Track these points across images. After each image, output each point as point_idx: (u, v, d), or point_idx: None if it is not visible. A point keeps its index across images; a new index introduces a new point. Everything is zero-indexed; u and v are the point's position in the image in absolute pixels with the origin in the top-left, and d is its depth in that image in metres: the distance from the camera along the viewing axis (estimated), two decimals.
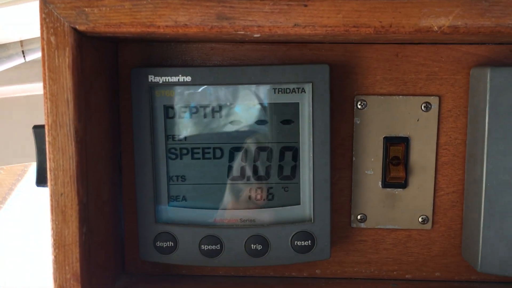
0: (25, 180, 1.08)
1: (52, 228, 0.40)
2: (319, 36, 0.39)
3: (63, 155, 0.39)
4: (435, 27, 0.38)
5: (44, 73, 0.38)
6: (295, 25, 0.38)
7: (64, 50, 0.38)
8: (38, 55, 0.65)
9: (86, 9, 0.38)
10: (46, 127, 0.39)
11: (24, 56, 0.64)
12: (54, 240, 0.40)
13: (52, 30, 0.38)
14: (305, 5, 0.38)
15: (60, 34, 0.38)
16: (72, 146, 0.39)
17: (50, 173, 0.40)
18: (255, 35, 0.40)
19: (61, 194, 0.40)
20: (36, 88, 0.93)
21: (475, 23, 0.37)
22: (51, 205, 0.40)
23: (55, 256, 0.41)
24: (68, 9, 0.38)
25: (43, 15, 0.38)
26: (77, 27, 0.38)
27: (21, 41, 0.63)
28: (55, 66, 0.38)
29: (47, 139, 0.39)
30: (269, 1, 0.38)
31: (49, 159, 0.40)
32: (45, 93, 0.39)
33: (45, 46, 0.38)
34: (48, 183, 0.40)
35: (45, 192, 0.43)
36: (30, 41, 0.63)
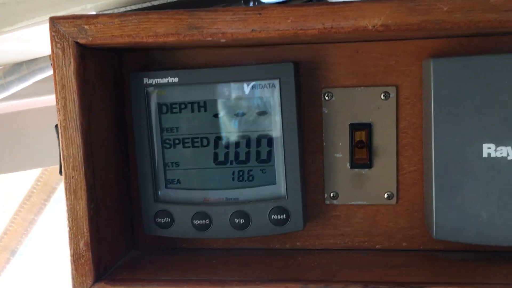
0: None
1: (67, 205, 0.50)
2: (273, 38, 0.47)
3: (72, 145, 0.49)
4: (370, 26, 0.44)
5: (55, 79, 0.48)
6: (252, 30, 0.46)
7: (70, 60, 0.48)
8: None
9: (85, 26, 0.47)
10: (58, 122, 0.49)
11: None
12: (68, 214, 0.50)
13: (59, 44, 0.47)
14: (260, 14, 0.45)
15: (66, 47, 0.47)
16: (79, 138, 0.49)
17: (63, 160, 0.49)
18: (222, 40, 0.48)
19: (72, 177, 0.49)
20: None
21: (403, 21, 0.44)
22: (65, 186, 0.50)
23: (70, 228, 0.50)
24: (71, 27, 0.47)
25: (52, 33, 0.47)
26: (78, 41, 0.47)
27: (49, 56, 0.74)
28: (63, 73, 0.48)
29: (59, 132, 0.49)
30: (230, 12, 0.46)
31: (62, 149, 0.49)
32: (56, 95, 0.48)
33: (54, 57, 0.48)
34: (62, 169, 0.50)
35: None
36: None
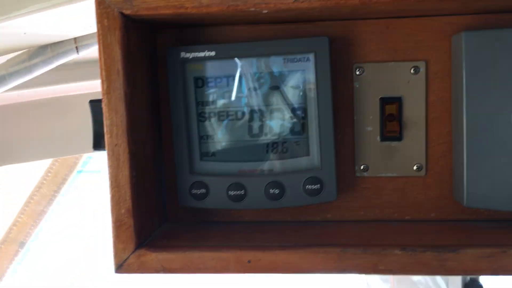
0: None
1: (109, 173, 0.51)
2: (315, 9, 0.49)
3: (116, 113, 0.50)
4: None
5: (100, 49, 0.49)
6: (295, 0, 0.47)
7: (114, 30, 0.49)
8: (89, 50, 0.77)
9: None
10: (102, 91, 0.50)
11: (77, 52, 0.76)
12: (111, 182, 0.51)
13: (104, 14, 0.49)
14: None
15: (111, 18, 0.49)
16: (122, 106, 0.50)
17: (107, 128, 0.50)
18: (264, 11, 0.49)
19: (115, 145, 0.50)
20: (86, 87, 1.06)
21: None
22: (108, 154, 0.51)
23: (112, 195, 0.51)
24: None
25: (98, 3, 0.48)
26: (123, 11, 0.49)
27: (74, 38, 0.75)
28: (108, 43, 0.49)
29: (103, 101, 0.50)
30: None
31: (105, 117, 0.50)
32: (100, 65, 0.49)
33: (99, 28, 0.49)
34: (105, 137, 0.51)
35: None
36: (83, 38, 0.75)
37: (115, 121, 0.50)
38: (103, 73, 0.49)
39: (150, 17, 0.51)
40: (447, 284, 1.20)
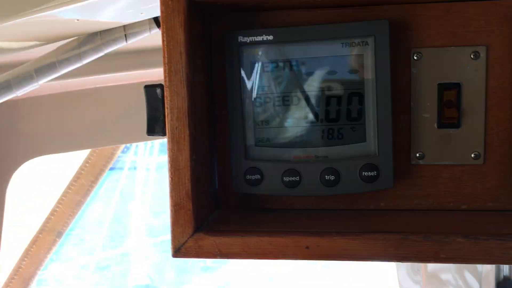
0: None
1: (169, 156, 0.51)
2: None
3: (178, 96, 0.50)
4: None
5: (163, 32, 0.49)
6: None
7: (179, 12, 0.49)
8: (138, 38, 0.77)
9: None
10: (164, 73, 0.50)
11: (126, 39, 0.76)
12: (170, 165, 0.51)
13: None
14: None
15: (175, 0, 0.49)
16: (184, 89, 0.50)
17: (167, 111, 0.51)
18: None
19: (176, 128, 0.51)
20: (127, 77, 1.07)
21: None
22: (168, 137, 0.51)
23: (171, 178, 0.51)
24: None
25: None
26: None
27: (123, 26, 0.75)
28: (172, 25, 0.49)
29: (164, 83, 0.50)
30: None
31: (166, 100, 0.50)
32: (163, 47, 0.50)
33: (163, 10, 0.49)
34: (166, 119, 0.51)
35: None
36: (131, 26, 0.76)
37: (176, 104, 0.50)
38: (166, 55, 0.50)
39: (212, 1, 0.50)
40: (480, 284, 1.18)
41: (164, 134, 0.55)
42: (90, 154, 1.18)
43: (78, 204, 1.19)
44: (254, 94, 0.57)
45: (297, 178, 0.56)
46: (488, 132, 0.57)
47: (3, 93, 0.78)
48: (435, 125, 0.57)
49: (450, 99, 0.56)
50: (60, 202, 1.18)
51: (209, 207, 0.58)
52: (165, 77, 0.50)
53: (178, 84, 0.50)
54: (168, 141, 0.51)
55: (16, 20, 0.65)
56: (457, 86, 0.56)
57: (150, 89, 0.60)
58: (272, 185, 0.57)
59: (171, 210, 0.52)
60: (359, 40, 0.55)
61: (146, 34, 0.78)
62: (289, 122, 0.57)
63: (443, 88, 0.56)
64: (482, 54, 0.55)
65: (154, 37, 0.77)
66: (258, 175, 0.57)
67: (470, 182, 0.58)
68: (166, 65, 0.50)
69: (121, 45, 0.77)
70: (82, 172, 1.18)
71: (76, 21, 0.70)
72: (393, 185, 0.56)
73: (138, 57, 1.04)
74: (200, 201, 0.54)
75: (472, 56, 0.56)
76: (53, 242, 1.19)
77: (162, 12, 0.49)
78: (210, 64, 0.59)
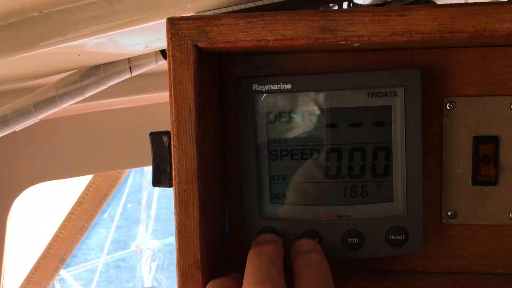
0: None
1: (177, 221, 0.46)
2: (414, 42, 0.43)
3: (186, 156, 0.45)
4: None
5: (170, 85, 0.44)
6: (393, 33, 0.42)
7: (188, 65, 0.44)
8: (142, 70, 0.72)
9: (206, 28, 0.43)
10: (171, 132, 0.45)
11: (130, 72, 0.71)
12: (178, 231, 0.46)
13: (177, 47, 0.44)
14: (402, 15, 0.41)
15: (184, 51, 0.44)
16: (193, 149, 0.45)
17: (175, 172, 0.46)
18: (355, 44, 0.44)
19: (185, 191, 0.46)
20: (132, 101, 1.02)
21: None
22: (175, 201, 0.46)
23: (179, 246, 0.46)
24: (191, 29, 0.43)
25: (170, 35, 0.44)
26: (198, 44, 0.44)
27: (128, 59, 0.70)
28: (180, 79, 0.44)
29: (172, 143, 0.45)
30: (369, 13, 0.42)
31: (174, 161, 0.45)
32: (171, 103, 0.45)
33: (171, 61, 0.44)
34: (173, 182, 0.46)
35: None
36: (136, 58, 0.71)
37: (184, 165, 0.45)
38: (174, 111, 0.45)
39: (226, 50, 0.45)
40: None
41: (171, 185, 0.51)
42: (94, 178, 1.14)
43: (81, 229, 1.14)
44: (270, 147, 0.52)
45: (317, 240, 0.51)
46: None
47: (0, 128, 0.73)
48: (470, 182, 0.52)
49: (487, 154, 0.51)
50: (62, 227, 1.14)
51: (220, 268, 0.53)
52: (172, 135, 0.45)
53: (187, 144, 0.45)
54: (176, 206, 0.46)
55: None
56: (494, 140, 0.51)
57: (156, 137, 0.55)
58: (288, 246, 0.52)
59: (178, 281, 0.47)
60: (387, 90, 0.49)
61: (152, 66, 0.73)
62: (308, 178, 0.52)
63: (479, 141, 0.51)
64: None
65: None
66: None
67: (508, 244, 0.52)
68: (173, 122, 0.45)
69: (125, 78, 0.73)
70: (86, 196, 1.13)
71: (77, 56, 0.65)
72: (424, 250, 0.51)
73: (143, 80, 1.00)
74: (210, 267, 0.49)
75: None
76: (56, 269, 1.15)
77: (169, 64, 0.44)
78: (222, 111, 0.54)
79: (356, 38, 0.42)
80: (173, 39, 0.44)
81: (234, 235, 0.56)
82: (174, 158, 0.45)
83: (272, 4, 0.51)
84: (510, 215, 0.52)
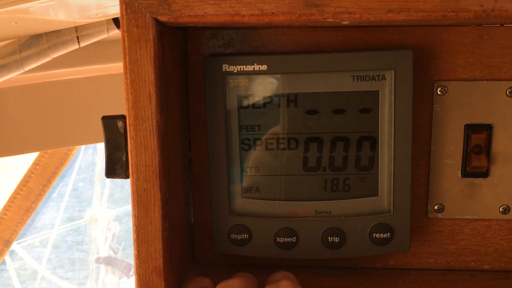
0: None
1: (135, 224, 0.40)
2: (413, 22, 0.37)
3: (146, 150, 0.38)
4: None
5: (125, 67, 0.37)
6: (389, 11, 0.36)
7: (146, 42, 0.36)
8: (92, 40, 0.64)
9: None
10: (127, 121, 0.38)
11: (78, 42, 0.62)
12: (137, 235, 0.40)
13: (133, 21, 0.36)
14: None
15: (142, 25, 0.36)
16: (154, 141, 0.38)
17: (132, 168, 0.39)
18: (344, 23, 0.37)
19: (144, 190, 0.39)
20: (82, 71, 0.93)
21: None
22: (133, 201, 0.39)
23: (138, 252, 0.40)
24: None
25: (124, 6, 0.36)
26: (159, 17, 0.36)
27: (75, 28, 0.61)
28: (137, 59, 0.37)
29: (128, 134, 0.38)
30: None
31: (131, 154, 0.39)
32: (126, 87, 0.37)
33: (126, 38, 0.36)
34: (130, 179, 0.39)
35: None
36: (85, 26, 0.62)
37: (144, 160, 0.38)
38: (130, 98, 0.37)
39: (193, 25, 0.38)
40: None
41: (127, 176, 0.44)
42: (41, 155, 1.04)
43: (28, 210, 1.05)
44: (242, 135, 0.46)
45: (294, 239, 0.46)
46: None
47: None
48: (459, 174, 0.48)
49: (479, 143, 0.47)
50: (7, 208, 1.05)
51: (185, 271, 0.48)
52: (129, 125, 0.38)
53: (147, 136, 0.38)
54: (134, 207, 0.39)
55: None
56: (487, 128, 0.46)
57: (109, 121, 0.48)
58: (262, 247, 0.46)
59: None
60: (375, 74, 0.44)
61: (103, 36, 0.64)
62: (285, 170, 0.46)
63: (471, 130, 0.46)
64: None
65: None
66: (245, 234, 0.46)
67: (496, 239, 0.49)
68: (130, 110, 0.38)
69: (72, 49, 0.64)
70: (32, 175, 1.04)
71: (13, 24, 0.55)
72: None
73: (94, 49, 0.90)
74: (174, 274, 0.43)
75: (508, 93, 0.46)
76: (1, 252, 1.06)
77: (123, 41, 0.37)
78: (187, 95, 0.47)
79: (346, 15, 0.36)
80: (128, 11, 0.36)
81: (200, 230, 0.50)
82: (131, 152, 0.39)
83: None
84: (501, 209, 0.48)
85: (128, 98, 0.37)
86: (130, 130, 0.38)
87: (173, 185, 0.42)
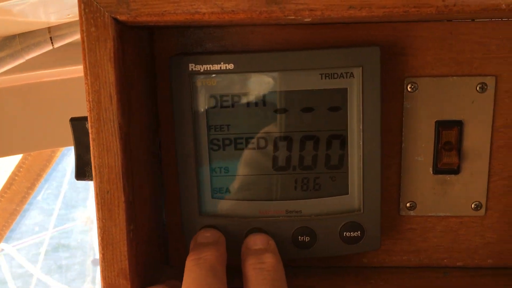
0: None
1: (99, 227, 0.39)
2: (375, 18, 0.37)
3: (108, 152, 0.38)
4: (503, 5, 0.35)
5: (85, 67, 0.37)
6: (350, 7, 0.35)
7: (105, 42, 0.36)
8: (66, 41, 0.63)
9: None
10: (89, 123, 0.38)
11: (52, 43, 0.62)
12: (101, 238, 0.39)
13: (92, 20, 0.36)
14: None
15: (100, 25, 0.36)
16: (117, 143, 0.38)
17: (95, 171, 0.38)
18: (306, 20, 0.37)
19: (107, 192, 0.39)
20: (64, 72, 0.92)
21: None
22: (97, 203, 0.39)
23: (103, 255, 0.40)
24: None
25: (82, 5, 0.35)
26: (118, 17, 0.36)
27: (48, 28, 0.61)
28: (96, 59, 0.36)
29: (90, 136, 0.38)
30: None
31: (94, 156, 0.38)
32: (87, 89, 0.37)
33: (85, 39, 0.36)
34: (94, 181, 0.39)
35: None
36: (58, 27, 0.61)
37: (106, 162, 0.38)
38: (91, 99, 0.37)
39: (153, 24, 0.38)
40: None
41: None
42: (24, 158, 1.03)
43: (13, 213, 1.04)
44: (210, 135, 0.45)
45: None
46: (491, 179, 0.47)
47: None
48: (430, 171, 0.47)
49: (450, 140, 0.46)
50: None
51: (156, 273, 0.47)
52: (90, 127, 0.38)
53: (109, 137, 0.38)
54: (97, 209, 0.39)
55: None
56: (458, 125, 0.46)
57: (77, 123, 0.47)
58: (233, 246, 0.46)
59: None
60: (343, 71, 0.43)
61: (77, 37, 0.63)
62: (254, 170, 0.46)
63: (441, 126, 0.46)
64: (490, 86, 0.45)
65: None
66: None
67: (468, 236, 0.49)
68: (90, 112, 0.37)
69: (46, 50, 0.63)
70: (16, 178, 1.03)
71: None
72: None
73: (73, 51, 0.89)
74: (141, 276, 0.42)
75: (478, 88, 0.45)
76: None
77: (83, 41, 0.36)
78: (153, 96, 0.47)
79: (307, 12, 0.36)
80: (86, 10, 0.35)
81: (174, 232, 0.50)
82: (93, 154, 0.38)
83: None
84: (472, 206, 0.48)
85: (89, 99, 0.37)
86: (92, 132, 0.38)
87: (139, 187, 0.41)
